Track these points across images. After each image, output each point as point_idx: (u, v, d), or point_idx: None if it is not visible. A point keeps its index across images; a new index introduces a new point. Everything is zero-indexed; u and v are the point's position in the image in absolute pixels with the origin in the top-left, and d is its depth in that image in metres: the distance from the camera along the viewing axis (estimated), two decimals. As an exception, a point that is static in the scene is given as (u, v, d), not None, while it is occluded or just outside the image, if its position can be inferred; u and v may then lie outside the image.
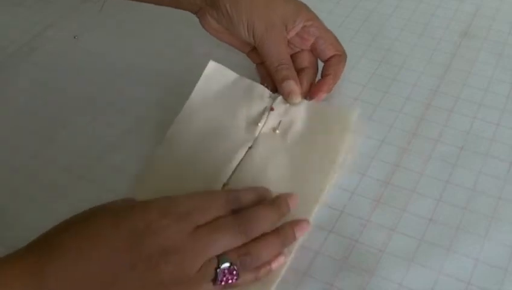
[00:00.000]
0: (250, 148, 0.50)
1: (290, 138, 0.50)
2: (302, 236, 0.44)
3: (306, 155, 0.49)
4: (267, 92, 0.53)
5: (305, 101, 0.52)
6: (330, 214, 0.46)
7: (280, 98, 0.52)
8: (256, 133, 0.50)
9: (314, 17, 0.55)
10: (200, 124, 0.52)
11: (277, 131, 0.51)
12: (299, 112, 0.52)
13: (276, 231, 0.42)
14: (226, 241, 0.39)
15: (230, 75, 0.54)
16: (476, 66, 0.58)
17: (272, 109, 0.52)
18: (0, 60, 0.65)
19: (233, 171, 0.48)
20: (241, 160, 0.49)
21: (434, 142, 0.51)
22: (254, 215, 0.41)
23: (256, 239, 0.41)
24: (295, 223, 0.43)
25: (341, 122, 0.51)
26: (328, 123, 0.51)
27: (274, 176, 0.48)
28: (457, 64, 0.58)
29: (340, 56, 0.55)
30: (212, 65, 0.54)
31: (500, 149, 0.50)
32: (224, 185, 0.47)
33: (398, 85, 0.56)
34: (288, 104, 0.52)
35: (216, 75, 0.54)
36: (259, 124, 0.51)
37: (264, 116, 0.51)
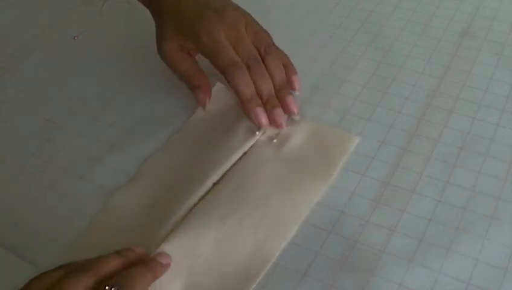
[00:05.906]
0: (245, 153, 0.50)
1: (285, 149, 0.50)
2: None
3: (299, 170, 0.49)
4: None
5: (306, 121, 0.53)
6: (330, 214, 0.46)
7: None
8: (253, 141, 0.51)
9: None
10: (200, 136, 0.53)
11: (274, 141, 0.51)
12: (299, 129, 0.52)
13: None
14: None
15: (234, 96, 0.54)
16: (476, 66, 0.58)
17: None
18: (0, 60, 0.65)
19: (226, 173, 0.49)
20: (235, 163, 0.49)
21: (434, 142, 0.51)
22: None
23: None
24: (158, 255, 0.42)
25: (340, 147, 0.51)
26: (327, 146, 0.51)
27: (264, 182, 0.48)
28: (457, 64, 0.58)
29: None
30: (218, 87, 0.56)
31: (500, 149, 0.50)
32: (214, 184, 0.48)
33: (398, 85, 0.56)
34: (288, 120, 0.52)
35: (220, 95, 0.55)
36: (257, 133, 0.51)
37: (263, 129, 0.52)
